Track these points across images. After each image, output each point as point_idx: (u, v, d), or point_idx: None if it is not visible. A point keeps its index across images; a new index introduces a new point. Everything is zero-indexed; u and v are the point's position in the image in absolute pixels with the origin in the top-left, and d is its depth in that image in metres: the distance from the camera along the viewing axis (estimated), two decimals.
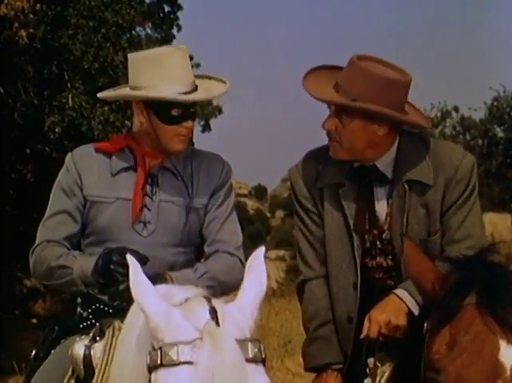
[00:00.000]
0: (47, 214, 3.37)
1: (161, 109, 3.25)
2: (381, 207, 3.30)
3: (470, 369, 2.40)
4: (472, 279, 2.53)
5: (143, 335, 2.26)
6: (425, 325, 2.59)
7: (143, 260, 3.08)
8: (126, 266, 3.03)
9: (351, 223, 3.29)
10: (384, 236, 3.30)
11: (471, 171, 3.28)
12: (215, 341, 2.06)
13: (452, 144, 3.66)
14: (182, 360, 2.08)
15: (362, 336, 3.14)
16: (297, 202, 3.43)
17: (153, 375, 2.14)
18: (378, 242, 3.31)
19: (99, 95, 3.57)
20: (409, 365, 2.64)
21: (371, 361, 3.18)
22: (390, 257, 3.30)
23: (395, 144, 3.31)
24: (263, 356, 2.16)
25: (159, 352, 2.12)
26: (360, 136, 3.24)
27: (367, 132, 3.24)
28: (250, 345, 2.13)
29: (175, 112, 3.25)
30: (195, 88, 3.31)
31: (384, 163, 3.29)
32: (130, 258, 2.28)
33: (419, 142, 3.33)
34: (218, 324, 2.12)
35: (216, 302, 2.21)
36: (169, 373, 2.10)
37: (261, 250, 2.31)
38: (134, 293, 2.20)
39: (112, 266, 3.03)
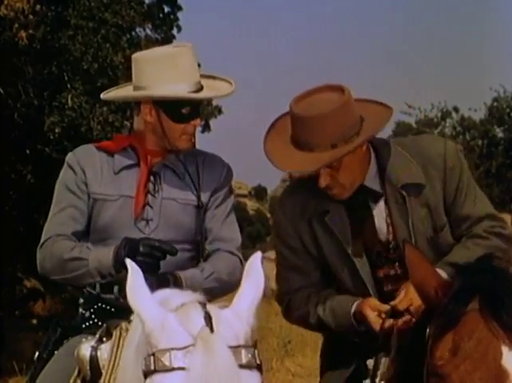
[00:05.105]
0: (54, 209, 3.37)
1: (172, 108, 3.28)
2: (379, 221, 3.26)
3: (474, 375, 2.38)
4: (475, 285, 2.51)
5: (141, 340, 2.26)
6: (428, 330, 2.58)
7: (172, 251, 3.13)
8: (155, 257, 3.05)
9: (348, 248, 3.24)
10: (390, 246, 3.27)
11: (458, 156, 3.27)
12: (208, 347, 2.07)
13: (429, 135, 3.63)
14: (174, 365, 2.09)
15: (393, 302, 3.06)
16: (281, 240, 3.34)
17: (148, 381, 2.14)
18: (384, 253, 3.27)
19: (102, 96, 3.56)
20: (411, 371, 2.63)
21: (370, 362, 3.17)
22: (397, 264, 3.26)
23: (373, 155, 3.26)
24: (258, 362, 2.16)
25: (152, 357, 2.13)
26: (354, 167, 3.19)
27: (358, 160, 3.19)
28: (243, 351, 2.13)
29: (184, 111, 3.29)
30: (201, 88, 3.35)
31: (370, 179, 3.25)
32: (130, 263, 2.26)
33: (395, 145, 3.29)
34: (212, 330, 2.12)
35: (211, 308, 2.21)
36: (162, 378, 2.10)
37: (258, 254, 2.30)
38: (129, 298, 2.19)
39: (140, 258, 3.03)
